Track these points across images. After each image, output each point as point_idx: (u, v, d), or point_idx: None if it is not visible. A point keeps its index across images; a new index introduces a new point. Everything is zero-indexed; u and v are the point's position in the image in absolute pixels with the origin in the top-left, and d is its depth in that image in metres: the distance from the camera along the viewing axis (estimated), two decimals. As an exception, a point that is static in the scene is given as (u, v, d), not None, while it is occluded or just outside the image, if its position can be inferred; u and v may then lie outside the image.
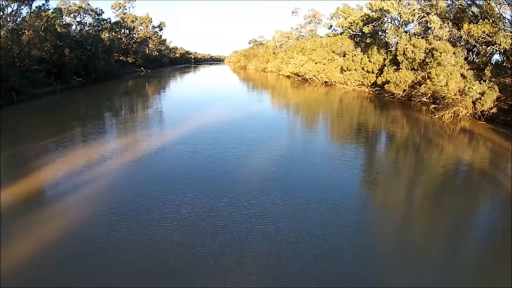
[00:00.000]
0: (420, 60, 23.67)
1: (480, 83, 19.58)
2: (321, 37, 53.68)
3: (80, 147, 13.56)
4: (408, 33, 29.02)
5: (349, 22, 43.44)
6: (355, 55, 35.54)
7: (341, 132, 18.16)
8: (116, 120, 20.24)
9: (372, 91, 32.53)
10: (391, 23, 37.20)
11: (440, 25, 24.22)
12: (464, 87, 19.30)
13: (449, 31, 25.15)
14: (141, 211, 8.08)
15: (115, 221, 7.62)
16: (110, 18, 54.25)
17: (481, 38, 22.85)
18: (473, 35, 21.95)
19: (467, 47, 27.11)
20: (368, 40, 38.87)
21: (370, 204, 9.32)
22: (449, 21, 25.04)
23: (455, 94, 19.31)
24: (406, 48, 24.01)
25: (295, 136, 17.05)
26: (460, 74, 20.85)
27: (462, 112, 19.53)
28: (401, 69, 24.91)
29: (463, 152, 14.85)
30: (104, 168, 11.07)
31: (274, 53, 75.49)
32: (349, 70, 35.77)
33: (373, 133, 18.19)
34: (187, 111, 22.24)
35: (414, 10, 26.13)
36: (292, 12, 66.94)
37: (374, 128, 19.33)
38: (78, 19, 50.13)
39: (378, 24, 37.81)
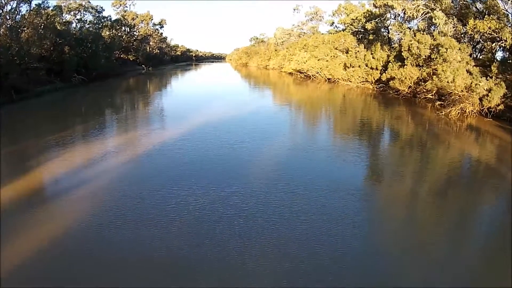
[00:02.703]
0: (425, 56, 23.28)
1: (487, 80, 19.23)
2: (322, 34, 53.25)
3: (81, 144, 13.29)
4: (412, 30, 28.62)
5: (352, 19, 43.03)
6: (358, 51, 35.16)
7: (349, 128, 17.79)
8: (118, 117, 19.96)
9: (376, 87, 32.16)
10: (394, 19, 36.84)
11: (445, 21, 23.84)
12: (471, 83, 18.95)
13: (453, 27, 24.75)
14: (147, 206, 7.95)
15: (119, 217, 7.49)
16: (110, 16, 53.90)
17: (487, 34, 22.47)
18: (479, 30, 21.55)
19: (470, 43, 26.72)
20: (371, 37, 38.47)
21: (378, 198, 9.14)
22: (454, 17, 24.64)
23: (462, 91, 18.96)
24: (411, 44, 23.63)
25: (301, 132, 16.77)
26: (466, 70, 20.50)
27: (468, 108, 19.19)
28: (406, 65, 24.54)
29: (471, 149, 14.57)
30: (108, 164, 10.87)
31: (275, 50, 75.09)
32: (353, 67, 35.41)
33: (380, 130, 17.93)
34: (190, 108, 21.95)
35: (418, 5, 25.74)
36: (294, 9, 66.46)
37: (381, 125, 19.05)
38: (78, 16, 49.79)
39: (381, 20, 37.42)
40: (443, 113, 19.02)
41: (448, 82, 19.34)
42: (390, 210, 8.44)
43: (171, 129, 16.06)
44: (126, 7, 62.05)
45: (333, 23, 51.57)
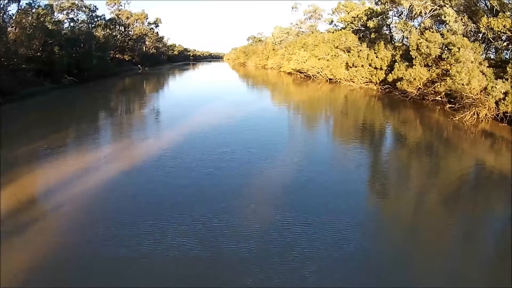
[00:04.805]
0: (435, 56, 21.92)
1: (503, 82, 17.93)
2: (322, 32, 51.92)
3: (64, 154, 11.87)
4: (419, 27, 27.27)
5: (352, 17, 41.76)
6: (360, 50, 33.79)
7: (359, 136, 16.28)
8: (104, 123, 18.59)
9: (381, 88, 30.74)
10: (398, 17, 35.64)
11: (455, 18, 22.54)
12: (487, 86, 17.65)
13: (463, 25, 23.44)
14: (135, 226, 6.79)
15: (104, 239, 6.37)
16: (104, 15, 52.45)
17: (500, 33, 21.26)
18: (492, 28, 20.29)
19: (480, 42, 25.48)
20: (372, 35, 37.22)
21: (390, 216, 7.91)
22: (464, 14, 23.33)
23: (477, 94, 17.66)
24: (420, 43, 22.24)
25: (304, 142, 15.17)
26: (480, 71, 19.18)
27: (482, 113, 17.89)
28: (415, 65, 23.15)
29: (491, 157, 13.25)
30: (90, 181, 9.48)
31: (273, 49, 73.80)
32: (355, 67, 34.03)
33: (393, 138, 16.63)
34: (184, 113, 20.34)
35: (426, 2, 24.41)
36: (292, 8, 64.97)
37: (393, 132, 17.70)
38: (71, 16, 48.28)
39: (383, 18, 36.21)
40: (457, 118, 17.68)
41: (463, 84, 18.00)
42: (403, 222, 7.61)
43: (159, 139, 14.48)
44: (121, 5, 60.56)
45: (332, 21, 50.37)
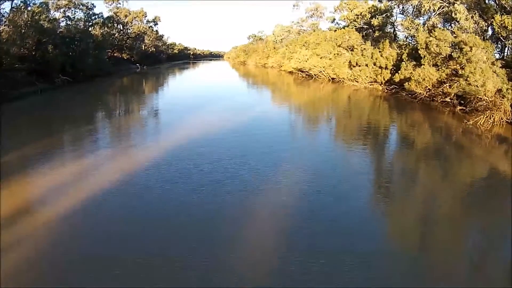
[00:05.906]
0: (445, 55, 20.85)
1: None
2: (324, 31, 50.92)
3: (59, 159, 10.87)
4: (426, 25, 26.20)
5: (355, 15, 40.73)
6: (364, 49, 32.68)
7: (366, 143, 15.21)
8: (92, 129, 17.58)
9: (387, 89, 29.62)
10: (403, 15, 34.56)
11: (466, 16, 21.49)
12: (501, 88, 16.63)
13: (474, 23, 22.39)
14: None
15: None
16: (102, 13, 51.39)
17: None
18: (506, 27, 19.27)
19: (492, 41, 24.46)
20: (376, 34, 36.20)
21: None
22: (475, 11, 22.27)
23: (491, 96, 16.64)
24: (430, 41, 21.15)
25: (306, 149, 14.04)
26: (493, 72, 18.16)
27: (496, 116, 16.87)
28: (424, 65, 22.07)
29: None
30: (88, 184, 8.82)
31: (274, 48, 72.79)
32: (359, 66, 32.93)
33: (405, 144, 15.55)
34: (182, 116, 19.31)
35: (435, -2, 23.37)
36: (293, 6, 63.88)
37: (402, 137, 16.64)
38: (68, 14, 47.21)
39: (387, 16, 35.23)
40: (471, 122, 16.61)
41: (477, 86, 16.97)
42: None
43: (146, 151, 13.09)
44: (119, 3, 59.45)
45: (334, 19, 49.47)
